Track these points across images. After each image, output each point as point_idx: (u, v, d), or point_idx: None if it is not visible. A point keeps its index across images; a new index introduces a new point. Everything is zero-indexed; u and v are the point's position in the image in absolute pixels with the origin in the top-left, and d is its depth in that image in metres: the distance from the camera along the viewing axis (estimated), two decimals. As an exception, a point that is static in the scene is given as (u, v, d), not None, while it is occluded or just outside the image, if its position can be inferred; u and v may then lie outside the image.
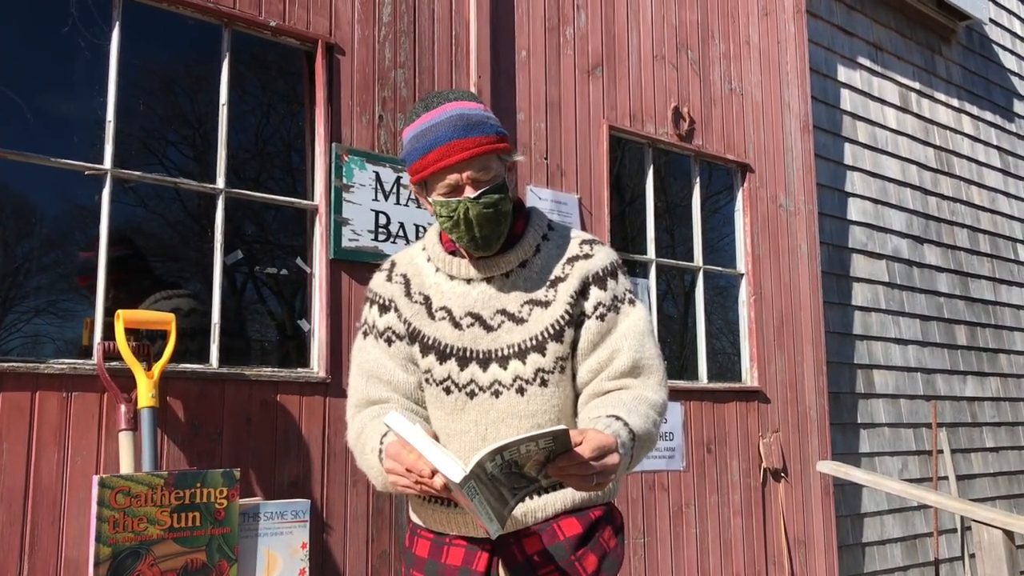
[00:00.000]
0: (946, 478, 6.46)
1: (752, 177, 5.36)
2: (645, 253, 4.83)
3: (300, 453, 3.38)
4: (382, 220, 3.70)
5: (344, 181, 3.61)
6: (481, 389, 1.82)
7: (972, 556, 6.41)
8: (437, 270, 1.90)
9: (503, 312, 1.84)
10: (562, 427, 1.48)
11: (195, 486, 2.81)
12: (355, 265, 3.61)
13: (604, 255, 1.90)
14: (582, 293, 1.85)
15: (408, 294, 1.90)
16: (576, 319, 1.84)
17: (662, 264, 4.92)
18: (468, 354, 1.83)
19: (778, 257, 5.43)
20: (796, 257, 5.52)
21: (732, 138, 5.30)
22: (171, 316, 3.04)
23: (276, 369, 3.41)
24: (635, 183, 4.93)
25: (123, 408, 2.89)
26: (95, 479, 2.66)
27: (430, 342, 1.86)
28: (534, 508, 1.80)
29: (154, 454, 2.85)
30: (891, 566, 5.94)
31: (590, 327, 1.84)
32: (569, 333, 1.83)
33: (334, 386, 3.49)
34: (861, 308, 6.07)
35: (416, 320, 1.88)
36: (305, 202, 3.59)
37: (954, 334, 6.89)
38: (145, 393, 2.88)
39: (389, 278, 1.95)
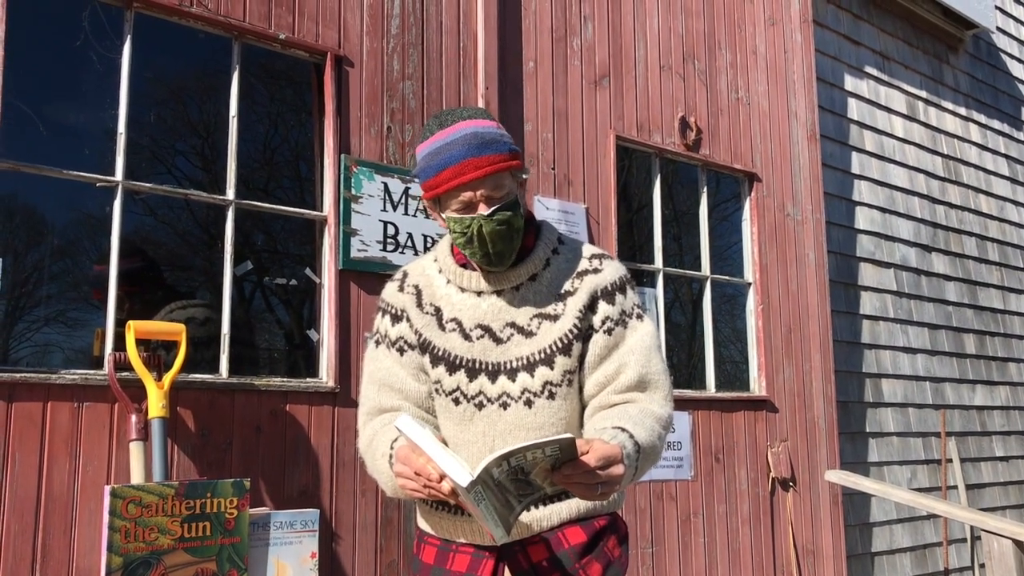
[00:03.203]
0: (955, 487, 6.44)
1: (759, 186, 5.37)
2: (652, 262, 4.84)
3: (309, 463, 3.40)
4: (391, 231, 3.72)
5: (353, 192, 3.63)
6: (489, 400, 1.83)
7: (982, 566, 6.38)
8: (448, 282, 1.92)
9: (513, 325, 1.86)
10: (568, 435, 1.50)
11: (205, 496, 2.82)
12: (364, 275, 3.63)
13: (613, 270, 1.92)
14: (590, 307, 1.87)
15: (419, 305, 1.93)
16: (584, 333, 1.86)
17: (669, 273, 4.92)
18: (477, 366, 1.85)
19: (786, 266, 5.43)
20: (804, 266, 5.52)
21: (739, 147, 5.31)
22: (181, 327, 3.06)
23: (285, 379, 3.43)
24: (642, 192, 4.94)
25: (134, 418, 2.90)
26: (107, 489, 2.68)
27: (440, 353, 1.88)
28: (540, 517, 1.81)
29: (164, 464, 2.87)
30: (900, 576, 5.92)
31: (597, 341, 1.85)
32: (577, 347, 1.84)
33: (343, 396, 3.50)
34: (869, 317, 6.06)
35: (427, 331, 1.90)
36: (314, 213, 3.61)
37: (963, 343, 6.87)
38: (156, 403, 2.90)
39: (401, 288, 1.97)
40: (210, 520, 2.82)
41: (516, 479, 1.54)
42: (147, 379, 2.91)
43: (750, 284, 5.27)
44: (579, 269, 1.90)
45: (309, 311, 3.64)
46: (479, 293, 1.89)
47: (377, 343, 1.96)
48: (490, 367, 1.84)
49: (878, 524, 5.83)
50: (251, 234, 3.55)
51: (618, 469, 1.59)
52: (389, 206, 3.73)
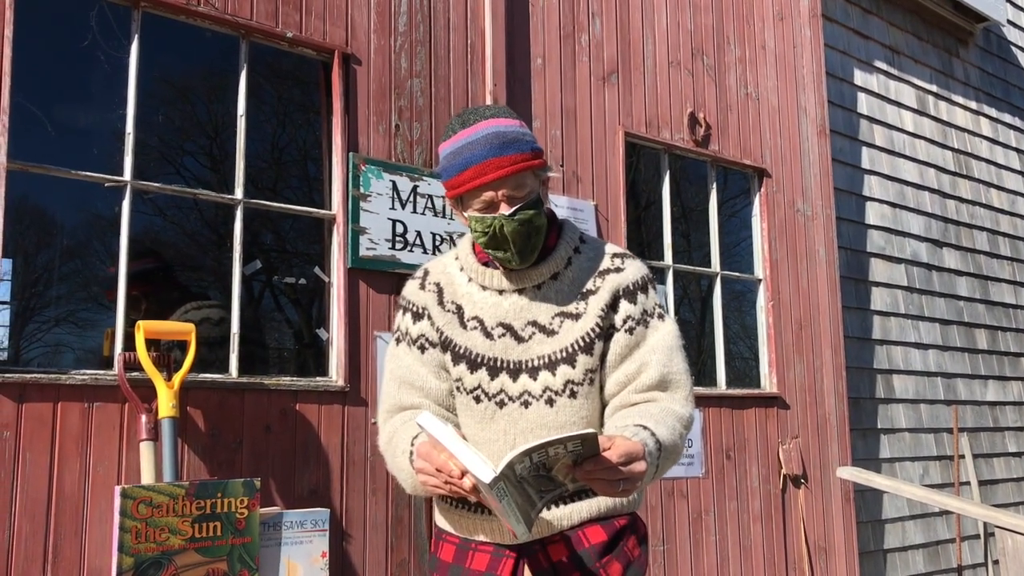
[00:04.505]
0: (968, 483, 6.40)
1: (769, 182, 5.34)
2: (662, 259, 4.82)
3: (319, 462, 3.39)
4: (399, 229, 3.71)
5: (361, 190, 3.62)
6: (511, 399, 1.83)
7: (996, 562, 6.35)
8: (470, 280, 1.92)
9: (534, 324, 1.85)
10: (591, 430, 1.49)
11: (216, 496, 2.82)
12: (373, 274, 3.62)
13: (635, 269, 1.92)
14: (612, 306, 1.86)
15: (441, 303, 1.92)
16: (606, 332, 1.85)
17: (679, 270, 4.90)
18: (499, 364, 1.85)
19: (796, 262, 5.40)
20: (814, 262, 5.49)
21: (748, 143, 5.28)
22: (191, 327, 3.05)
23: (295, 378, 3.42)
24: (651, 189, 4.92)
25: (144, 418, 2.90)
26: (117, 489, 2.67)
27: (461, 351, 1.87)
28: (560, 516, 1.81)
29: (175, 464, 2.86)
30: (913, 572, 5.89)
31: (619, 340, 1.85)
32: (599, 346, 1.84)
33: (352, 395, 3.49)
34: (880, 312, 6.03)
35: (448, 329, 1.90)
36: (323, 211, 3.60)
37: (974, 338, 6.83)
38: (166, 403, 2.89)
39: (422, 286, 1.97)
40: (221, 520, 2.81)
41: (538, 475, 1.54)
42: (157, 379, 2.91)
43: (760, 280, 5.24)
44: (601, 268, 1.90)
45: (318, 310, 3.63)
46: (501, 291, 1.88)
47: (398, 341, 1.96)
48: (511, 365, 1.84)
49: (890, 521, 5.80)
50: (260, 233, 3.54)
51: (640, 466, 1.58)
52: (398, 204, 3.72)
